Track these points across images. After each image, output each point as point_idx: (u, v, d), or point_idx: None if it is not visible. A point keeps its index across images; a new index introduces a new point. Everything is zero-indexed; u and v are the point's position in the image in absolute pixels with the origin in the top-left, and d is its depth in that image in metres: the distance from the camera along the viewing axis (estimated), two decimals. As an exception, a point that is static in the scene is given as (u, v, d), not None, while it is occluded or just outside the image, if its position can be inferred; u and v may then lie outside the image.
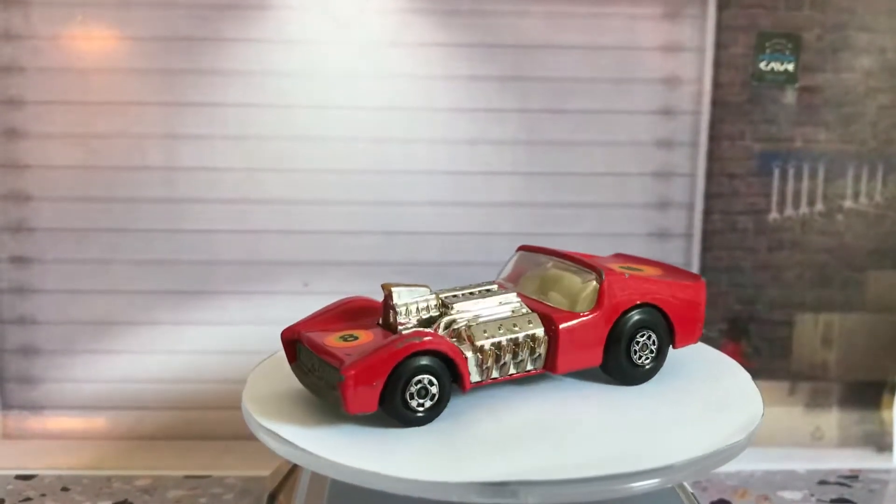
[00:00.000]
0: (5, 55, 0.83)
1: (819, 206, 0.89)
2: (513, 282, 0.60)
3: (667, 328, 0.57)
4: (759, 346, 0.90)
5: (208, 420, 0.87)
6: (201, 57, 0.84)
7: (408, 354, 0.50)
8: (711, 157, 0.88)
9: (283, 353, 0.56)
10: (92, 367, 0.87)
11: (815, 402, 0.91)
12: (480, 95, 0.85)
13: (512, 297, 0.55)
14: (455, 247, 0.87)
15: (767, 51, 0.86)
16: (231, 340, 0.87)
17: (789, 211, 0.89)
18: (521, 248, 0.63)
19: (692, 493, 0.59)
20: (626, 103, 0.86)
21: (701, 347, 0.63)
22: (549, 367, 0.55)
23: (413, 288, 0.54)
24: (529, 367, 0.54)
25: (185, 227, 0.85)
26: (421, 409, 0.50)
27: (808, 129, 0.88)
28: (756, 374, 0.60)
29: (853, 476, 0.87)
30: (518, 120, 0.86)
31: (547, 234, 0.86)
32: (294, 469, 0.64)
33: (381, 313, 0.55)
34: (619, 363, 0.56)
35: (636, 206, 0.88)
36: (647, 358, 0.57)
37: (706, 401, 0.55)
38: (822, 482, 0.85)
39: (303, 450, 0.48)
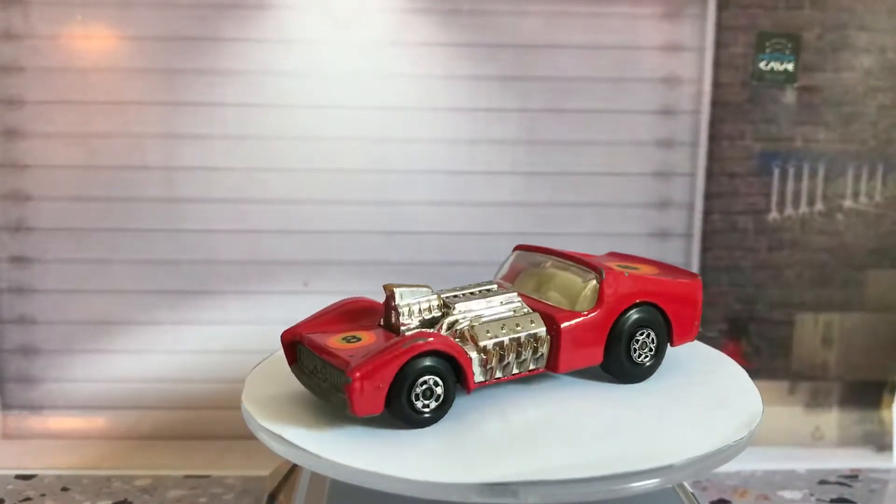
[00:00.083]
0: (5, 55, 0.83)
1: (819, 206, 0.89)
2: (510, 281, 0.60)
3: (665, 326, 0.58)
4: (759, 345, 0.90)
5: (208, 420, 0.87)
6: (201, 57, 0.83)
7: (413, 355, 0.49)
8: (711, 156, 0.88)
9: (282, 353, 0.56)
10: (91, 367, 0.87)
11: (815, 401, 0.91)
12: (481, 95, 0.85)
13: (513, 297, 0.55)
14: (455, 247, 0.87)
15: (767, 50, 0.86)
16: (231, 340, 0.86)
17: (789, 210, 0.89)
18: (519, 247, 0.63)
19: (692, 493, 0.59)
20: (625, 103, 0.86)
21: (701, 347, 0.63)
22: (551, 367, 0.55)
23: (415, 288, 0.54)
24: (532, 366, 0.54)
25: (184, 226, 0.85)
26: (426, 409, 0.50)
27: (808, 128, 0.88)
28: (756, 373, 0.60)
29: (853, 476, 0.86)
30: (518, 119, 0.86)
31: (547, 233, 0.86)
32: (294, 469, 0.64)
33: (381, 314, 0.55)
34: (620, 362, 0.56)
35: (636, 205, 0.88)
36: (647, 356, 0.57)
37: (706, 401, 0.55)
38: (822, 482, 0.85)
39: (303, 450, 0.48)
